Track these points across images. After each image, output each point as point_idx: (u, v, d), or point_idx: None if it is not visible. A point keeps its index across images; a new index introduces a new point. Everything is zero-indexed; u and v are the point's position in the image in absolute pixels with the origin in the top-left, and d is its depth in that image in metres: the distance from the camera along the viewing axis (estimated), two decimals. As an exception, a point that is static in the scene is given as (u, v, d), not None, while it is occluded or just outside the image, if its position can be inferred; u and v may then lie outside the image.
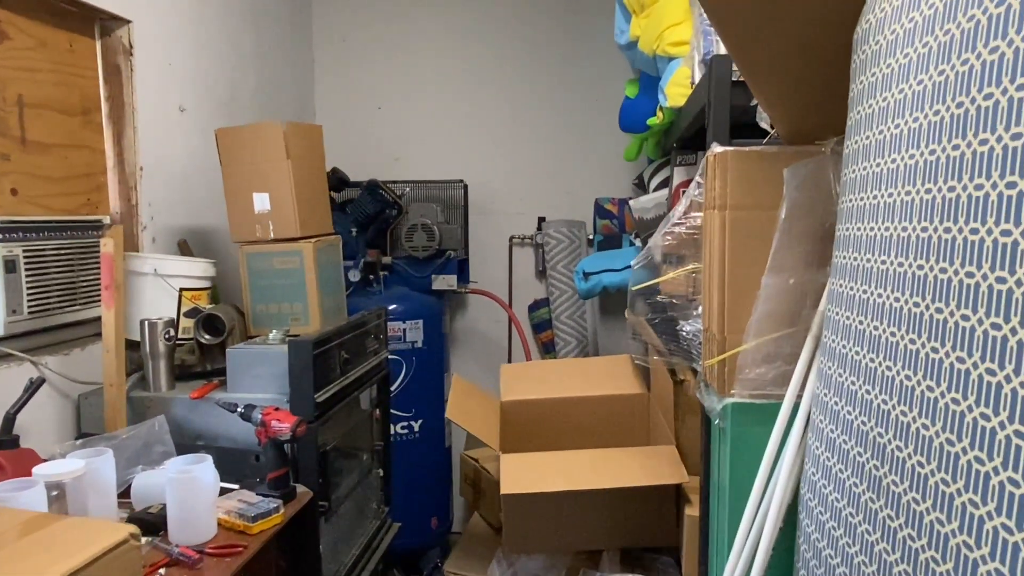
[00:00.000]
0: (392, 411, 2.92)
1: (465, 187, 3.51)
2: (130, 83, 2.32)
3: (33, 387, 1.77)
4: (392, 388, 2.98)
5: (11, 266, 1.87)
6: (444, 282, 3.34)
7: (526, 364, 3.12)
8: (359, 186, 3.31)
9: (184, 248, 2.54)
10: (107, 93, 2.31)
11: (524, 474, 1.74)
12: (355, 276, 3.09)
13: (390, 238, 3.39)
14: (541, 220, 3.57)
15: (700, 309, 1.42)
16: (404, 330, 3.11)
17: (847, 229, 1.06)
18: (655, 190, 2.65)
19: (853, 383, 0.99)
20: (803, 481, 1.16)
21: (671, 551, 1.84)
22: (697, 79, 1.89)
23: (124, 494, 1.73)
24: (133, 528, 1.04)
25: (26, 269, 1.91)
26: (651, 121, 2.36)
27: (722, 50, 1.60)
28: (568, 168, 3.61)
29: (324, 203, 2.41)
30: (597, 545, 1.83)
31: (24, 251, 1.91)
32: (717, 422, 1.34)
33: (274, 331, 2.13)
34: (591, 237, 3.49)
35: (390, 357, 2.75)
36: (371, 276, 3.17)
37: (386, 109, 3.69)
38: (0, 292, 1.83)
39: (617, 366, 2.20)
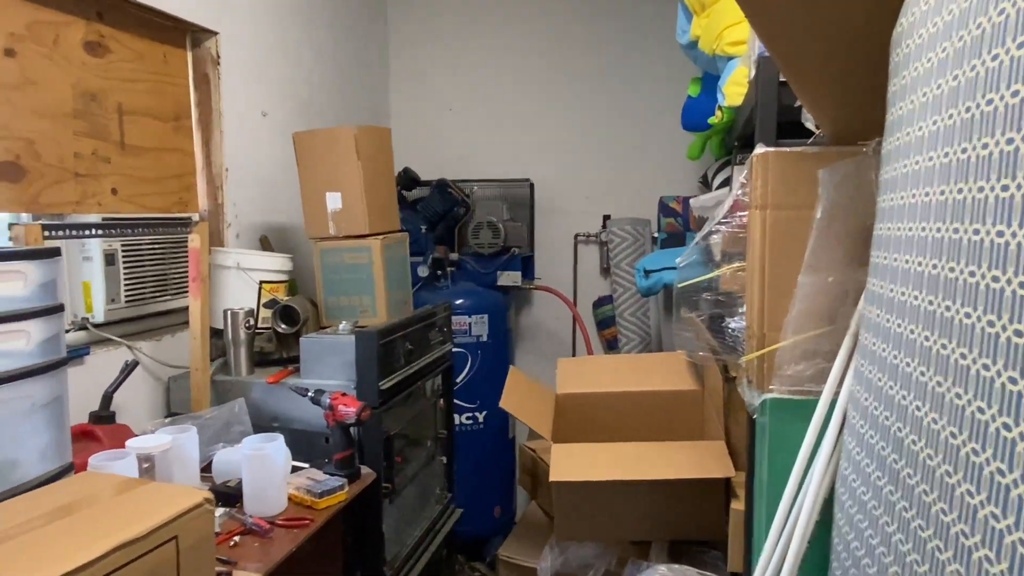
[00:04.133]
0: (457, 402, 3.04)
1: (531, 186, 3.58)
2: (217, 90, 2.50)
3: (128, 369, 1.95)
4: (457, 380, 3.09)
5: (111, 259, 2.06)
6: (509, 278, 3.42)
7: (583, 359, 3.17)
8: (429, 185, 3.44)
9: (265, 244, 2.72)
10: (196, 100, 2.49)
11: (574, 463, 1.80)
12: (424, 271, 3.22)
13: (458, 235, 3.50)
14: (606, 218, 3.60)
15: (743, 307, 1.45)
16: (470, 324, 3.21)
17: (883, 229, 1.07)
18: (718, 188, 2.66)
19: (887, 385, 1.00)
20: (838, 477, 1.18)
21: (719, 545, 1.86)
22: (753, 78, 1.90)
23: (207, 469, 1.89)
24: (208, 494, 1.16)
25: (124, 262, 2.10)
26: (711, 120, 2.37)
27: (771, 51, 1.61)
28: (633, 166, 3.63)
29: (392, 202, 2.53)
30: (646, 536, 1.88)
31: (122, 245, 2.10)
32: (757, 417, 1.36)
33: (344, 322, 2.26)
34: (656, 235, 3.50)
35: (456, 350, 2.86)
36: (439, 272, 3.29)
37: (456, 110, 3.81)
38: (101, 282, 2.03)
39: (672, 362, 2.23)
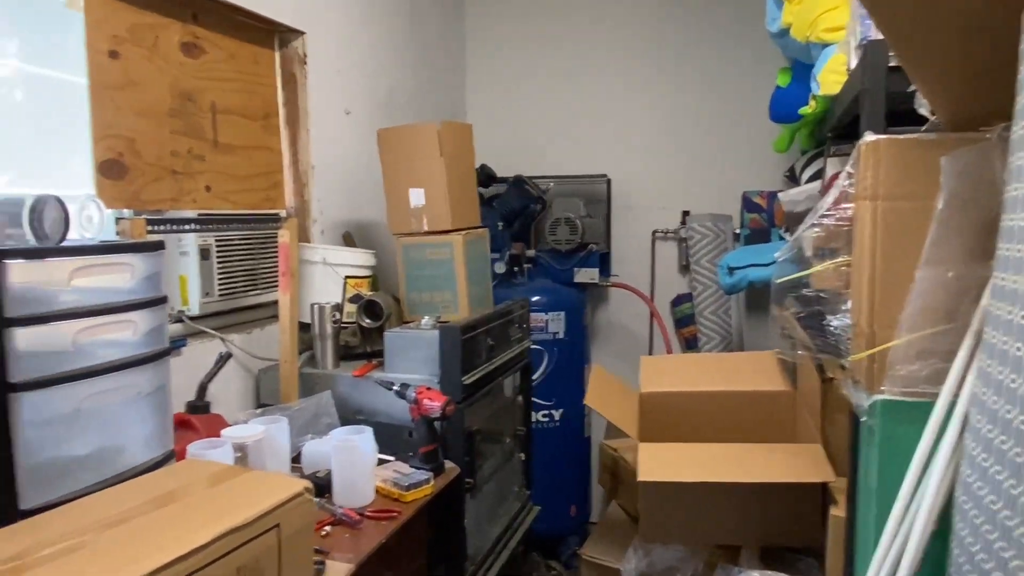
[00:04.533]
0: (533, 399, 3.02)
1: (608, 181, 3.53)
2: (304, 89, 2.55)
3: (222, 360, 2.02)
4: (534, 377, 3.08)
5: (205, 254, 2.13)
6: (586, 275, 3.39)
7: (666, 357, 3.11)
8: (505, 182, 3.43)
9: (348, 240, 2.76)
10: (284, 99, 2.55)
11: (662, 463, 1.76)
12: (500, 268, 3.22)
13: (534, 232, 3.49)
14: (685, 214, 3.52)
15: (849, 303, 1.38)
16: (546, 321, 3.19)
17: (1011, 219, 1.00)
18: (807, 182, 2.56)
19: (1014, 380, 0.94)
20: (957, 483, 1.11)
21: (814, 552, 1.79)
22: (853, 65, 1.82)
23: (296, 459, 1.93)
24: (307, 483, 1.18)
25: (217, 257, 2.17)
26: (803, 110, 2.28)
27: (879, 35, 1.53)
28: (714, 161, 3.54)
29: (473, 198, 2.53)
30: (735, 540, 1.82)
31: (216, 240, 2.16)
32: (865, 419, 1.30)
33: (426, 317, 2.27)
34: (737, 231, 3.40)
35: (532, 347, 2.84)
36: (515, 268, 3.28)
37: (533, 106, 3.79)
38: (196, 276, 2.09)
39: (761, 362, 2.15)
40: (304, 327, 2.32)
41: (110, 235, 1.51)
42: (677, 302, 3.58)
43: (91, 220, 1.44)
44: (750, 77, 3.37)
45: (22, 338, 1.19)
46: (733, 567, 1.73)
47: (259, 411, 2.04)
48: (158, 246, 1.44)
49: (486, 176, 3.43)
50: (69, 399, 1.26)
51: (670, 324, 3.59)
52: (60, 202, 1.36)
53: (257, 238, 2.34)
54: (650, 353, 3.59)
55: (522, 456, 2.72)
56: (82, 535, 0.99)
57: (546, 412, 3.20)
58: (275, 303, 2.28)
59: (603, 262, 3.46)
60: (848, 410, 1.44)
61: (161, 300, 1.45)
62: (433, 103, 3.54)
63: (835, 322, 1.46)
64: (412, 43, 3.33)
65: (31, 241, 1.35)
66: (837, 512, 1.57)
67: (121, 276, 1.36)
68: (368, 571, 1.52)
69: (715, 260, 3.28)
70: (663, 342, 3.51)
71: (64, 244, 1.34)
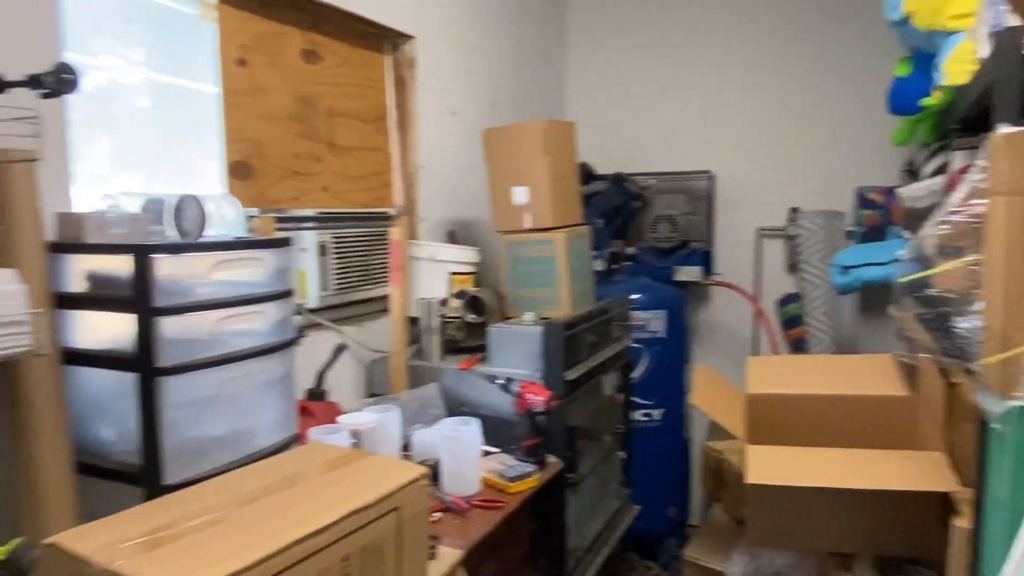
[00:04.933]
0: (633, 398, 3.00)
1: (711, 177, 3.47)
2: (413, 92, 2.64)
3: (338, 351, 2.12)
4: (633, 375, 3.06)
5: (323, 250, 2.24)
6: (687, 273, 3.34)
7: (776, 358, 3.02)
8: (605, 179, 3.43)
9: (453, 238, 2.84)
10: (394, 102, 2.65)
11: (772, 466, 1.72)
12: (600, 266, 3.21)
13: (634, 229, 3.46)
14: (794, 211, 3.41)
15: (979, 304, 1.30)
16: (647, 320, 3.17)
17: None
18: (929, 177, 2.42)
19: None
20: (1105, 498, 1.04)
21: (933, 564, 1.70)
22: (983, 54, 1.71)
23: (404, 447, 2.00)
24: (424, 469, 1.23)
25: (333, 253, 2.28)
26: (926, 101, 2.16)
27: (1014, 21, 1.44)
28: (826, 156, 3.41)
29: (575, 195, 2.55)
30: (849, 548, 1.75)
31: (332, 237, 2.27)
32: (996, 426, 1.23)
33: (529, 313, 2.30)
34: (850, 229, 3.26)
35: (632, 346, 2.83)
36: (615, 266, 3.27)
37: (634, 103, 3.77)
38: (315, 271, 2.21)
39: (878, 365, 2.06)
40: (412, 321, 2.40)
41: (242, 232, 1.62)
42: (784, 302, 3.47)
43: (226, 218, 1.55)
44: (864, 67, 3.23)
45: (167, 326, 1.31)
46: (846, 573, 1.67)
47: (371, 400, 2.13)
48: (287, 242, 1.54)
49: (585, 173, 3.43)
50: (208, 383, 1.37)
51: (776, 325, 3.48)
52: (199, 201, 1.47)
53: (369, 235, 2.44)
54: (754, 355, 3.50)
55: (622, 454, 2.71)
56: (222, 510, 1.07)
57: (646, 412, 3.18)
58: (385, 297, 2.37)
59: (705, 260, 3.39)
60: (975, 416, 1.36)
61: (288, 293, 1.55)
62: (534, 103, 3.58)
63: (963, 324, 1.39)
64: (515, 44, 3.38)
65: (173, 237, 1.47)
66: (962, 523, 1.49)
67: (254, 270, 1.46)
68: (475, 558, 1.57)
69: (826, 259, 3.16)
70: (769, 344, 3.41)
71: (203, 240, 1.45)
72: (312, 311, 2.19)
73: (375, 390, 2.37)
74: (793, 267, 3.44)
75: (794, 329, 3.41)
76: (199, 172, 2.02)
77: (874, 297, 3.24)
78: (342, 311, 2.37)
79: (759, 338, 3.53)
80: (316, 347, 2.15)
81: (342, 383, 2.27)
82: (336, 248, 2.29)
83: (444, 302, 2.40)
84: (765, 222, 3.51)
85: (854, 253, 2.60)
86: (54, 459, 1.31)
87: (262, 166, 2.11)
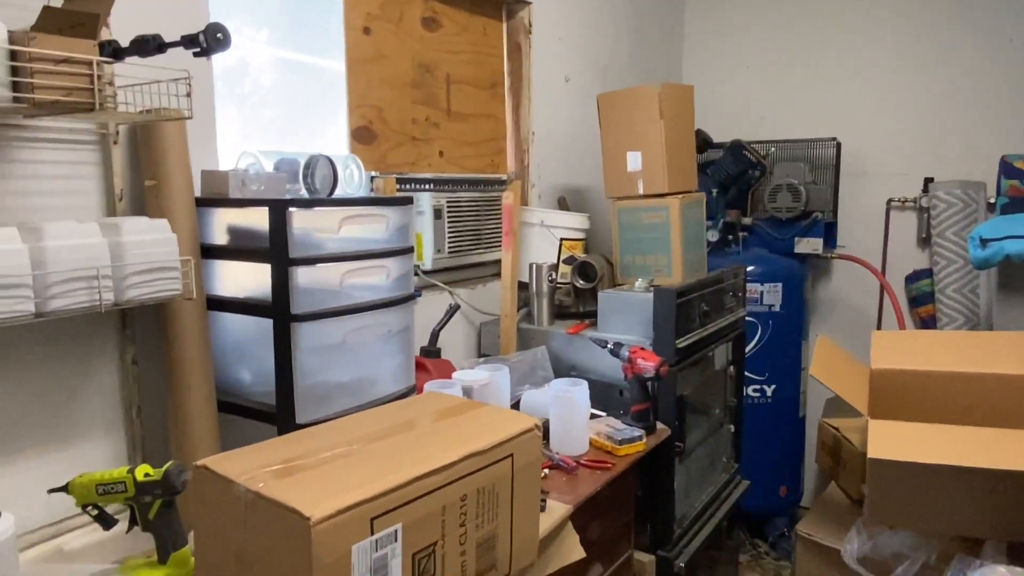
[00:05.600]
0: (744, 373, 2.93)
1: (838, 145, 3.29)
2: (528, 59, 2.65)
3: (452, 311, 2.18)
4: (746, 349, 2.98)
5: (438, 213, 2.30)
6: (808, 245, 3.20)
7: (902, 333, 2.86)
8: (722, 147, 3.32)
9: (563, 204, 2.84)
10: (509, 68, 2.67)
11: (895, 442, 1.64)
12: (713, 236, 3.14)
13: (751, 199, 3.35)
14: (928, 181, 3.19)
15: None
16: (761, 292, 3.07)
17: None
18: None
19: None
20: None
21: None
22: None
23: (514, 406, 2.04)
24: (537, 421, 1.26)
25: (448, 217, 2.34)
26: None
27: None
28: (964, 122, 3.15)
29: (691, 161, 2.49)
30: (976, 532, 1.65)
31: (447, 202, 2.33)
32: None
33: (639, 280, 2.28)
34: (992, 200, 3.02)
35: (746, 319, 2.75)
36: (730, 236, 3.18)
37: (753, 68, 3.62)
38: (430, 234, 2.27)
39: (1013, 343, 1.91)
40: (522, 286, 2.43)
41: (366, 192, 1.70)
42: (913, 278, 3.27)
43: (353, 177, 1.62)
44: (1008, 28, 2.95)
45: (301, 276, 1.39)
46: (974, 559, 1.58)
47: (481, 360, 2.19)
48: (408, 201, 1.60)
49: (701, 141, 3.34)
50: (335, 332, 1.45)
51: (903, 302, 3.28)
52: (330, 161, 1.55)
53: (482, 201, 2.48)
54: (877, 332, 3.32)
55: (731, 428, 2.66)
56: (350, 445, 1.14)
57: (757, 387, 3.09)
58: (495, 262, 2.42)
59: (828, 232, 3.23)
60: None
61: (409, 250, 1.61)
62: (649, 68, 3.51)
63: None
64: (630, 8, 3.31)
65: (305, 195, 1.55)
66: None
67: (377, 226, 1.53)
68: (582, 516, 1.59)
69: (963, 232, 2.95)
70: (895, 321, 3.22)
71: (333, 197, 1.52)
72: (426, 273, 2.27)
73: (485, 351, 2.43)
74: (925, 241, 3.23)
75: (923, 307, 3.21)
76: (325, 138, 2.11)
77: (1017, 272, 3.00)
78: (455, 274, 2.44)
79: (884, 316, 3.34)
80: (430, 307, 2.22)
81: (454, 343, 2.34)
82: (451, 212, 2.35)
83: (554, 267, 2.42)
84: (896, 193, 3.30)
85: (995, 225, 2.41)
86: (200, 394, 1.43)
87: (383, 131, 2.19)
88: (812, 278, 3.42)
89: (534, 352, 2.23)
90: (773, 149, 3.35)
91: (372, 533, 0.96)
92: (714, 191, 3.23)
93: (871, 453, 1.61)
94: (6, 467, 1.31)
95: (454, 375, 1.87)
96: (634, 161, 2.36)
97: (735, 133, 3.37)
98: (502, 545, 1.20)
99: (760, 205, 3.30)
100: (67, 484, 1.16)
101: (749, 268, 2.97)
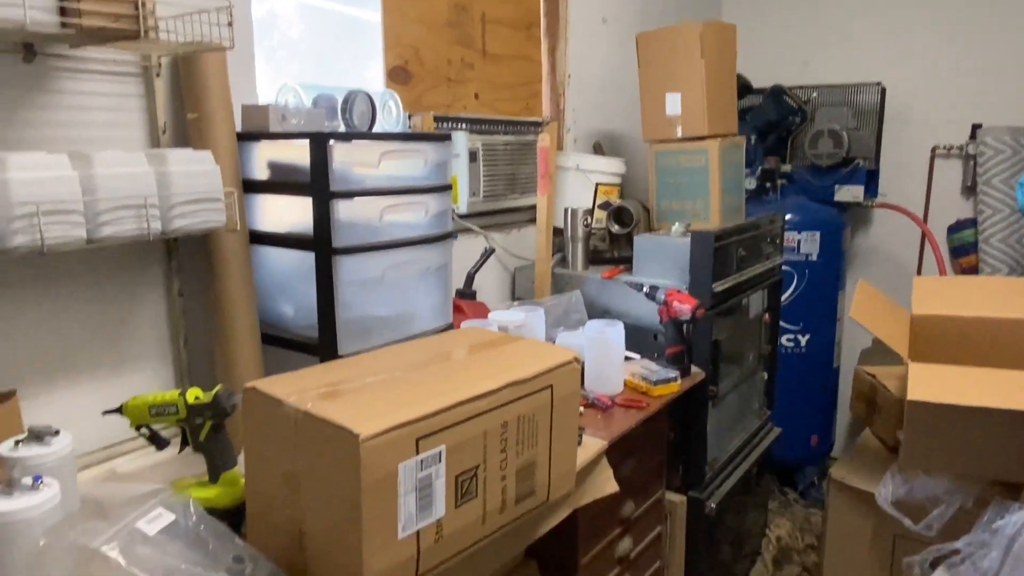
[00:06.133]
0: (779, 322, 2.90)
1: (882, 91, 3.19)
2: (564, -2, 2.59)
3: (487, 254, 2.18)
4: (781, 298, 2.95)
5: (473, 156, 2.29)
6: (848, 193, 3.13)
7: (944, 279, 2.80)
8: (761, 93, 3.24)
9: (598, 149, 2.81)
10: (545, 8, 2.61)
11: (935, 385, 1.62)
12: (751, 184, 3.08)
13: (791, 146, 3.27)
14: (976, 127, 3.09)
15: None
16: (799, 241, 3.03)
17: None
18: None
19: None
20: None
21: (1122, 502, 1.56)
22: None
23: (549, 348, 2.06)
24: (576, 353, 1.26)
25: (483, 160, 2.32)
26: None
27: None
28: (1015, 66, 3.03)
29: (732, 103, 2.43)
30: (1015, 477, 1.63)
31: (483, 145, 2.31)
32: None
33: (676, 224, 2.26)
34: (1043, 147, 2.92)
35: (782, 268, 2.71)
36: (768, 184, 3.12)
37: (795, 11, 3.50)
38: (465, 177, 2.26)
39: (1065, 289, 1.87)
40: (556, 231, 2.42)
41: (404, 130, 1.69)
42: (955, 228, 3.19)
43: (391, 114, 1.61)
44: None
45: (343, 209, 1.40)
46: (1012, 503, 1.57)
47: (515, 303, 2.20)
48: (447, 137, 1.59)
49: (741, 87, 3.25)
50: (376, 266, 1.46)
51: (945, 252, 3.21)
52: (368, 96, 1.54)
53: (517, 144, 2.46)
54: (917, 284, 3.26)
55: (764, 375, 2.65)
56: (393, 372, 1.16)
57: (791, 337, 3.07)
58: (529, 207, 2.40)
59: (869, 180, 3.16)
60: None
61: (447, 187, 1.61)
62: (688, 10, 3.41)
63: None
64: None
65: (343, 130, 1.55)
66: None
67: (417, 162, 1.53)
68: (616, 453, 1.60)
69: (1011, 180, 2.86)
70: (935, 272, 3.16)
71: (373, 132, 1.52)
72: (462, 217, 2.26)
73: (519, 295, 2.44)
74: (969, 190, 3.14)
75: (965, 257, 3.14)
76: (361, 80, 2.10)
77: (1066, 224, 2.91)
78: (489, 219, 2.43)
79: (924, 266, 3.28)
80: (466, 251, 2.22)
81: (487, 287, 2.35)
82: (486, 156, 2.33)
83: (589, 212, 2.40)
84: (941, 140, 3.21)
85: (1048, 170, 2.34)
86: (244, 325, 1.46)
87: (419, 72, 2.16)
88: (851, 227, 3.36)
89: (568, 296, 2.24)
90: (815, 94, 3.27)
91: (417, 453, 0.99)
92: (752, 138, 3.16)
93: (910, 395, 1.59)
94: (63, 391, 1.36)
95: (490, 315, 1.88)
96: (673, 103, 2.31)
97: (776, 78, 3.28)
98: (541, 472, 1.22)
99: (799, 152, 3.23)
100: (121, 406, 1.20)
101: (787, 216, 2.92)
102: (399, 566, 1.00)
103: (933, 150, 3.23)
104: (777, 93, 3.17)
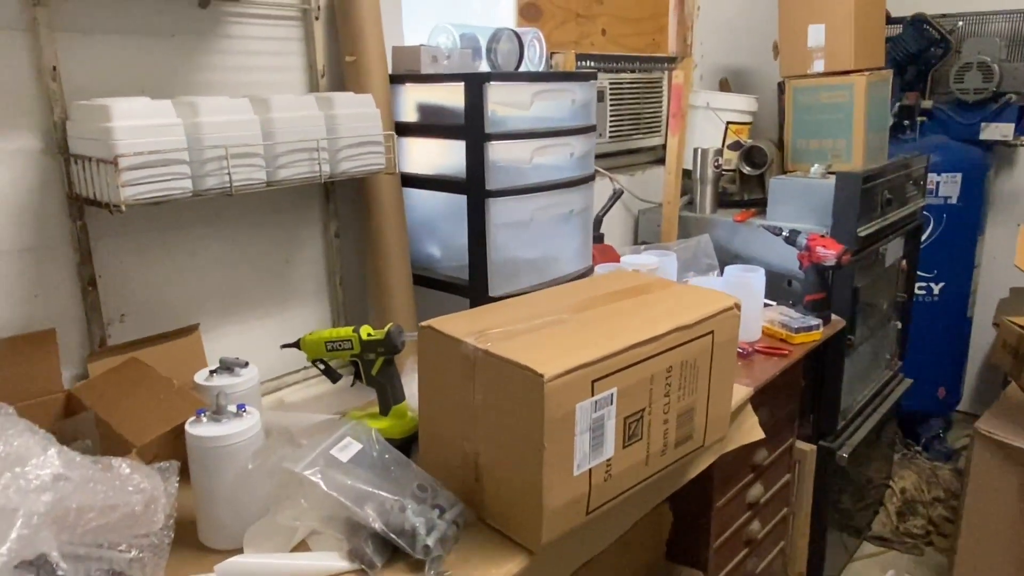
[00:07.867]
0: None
1: (1041, 17, 2.90)
2: (696, -77, 2.45)
3: (615, 196, 2.16)
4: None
5: (600, 96, 2.24)
6: (997, 131, 2.89)
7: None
8: (901, 22, 3.01)
9: (725, 86, 2.70)
10: (675, -64, 2.48)
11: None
12: (888, 121, 2.89)
13: (931, 80, 3.04)
14: None
15: None
16: (937, 183, 2.84)
17: None
18: None
19: None
20: None
21: None
22: None
23: (680, 293, 2.03)
24: (736, 299, 1.24)
25: (610, 99, 2.27)
26: None
27: None
28: None
29: (880, 33, 2.28)
30: None
31: (609, 83, 2.26)
32: None
33: (816, 165, 2.16)
34: None
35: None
36: (905, 122, 2.93)
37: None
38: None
39: None
40: (684, 173, 2.36)
41: (545, 70, 1.66)
42: (1118, 169, 2.91)
43: (535, 52, 1.59)
44: None
45: (496, 152, 1.40)
46: None
47: (642, 247, 2.17)
48: (593, 76, 1.55)
49: (879, 16, 3.03)
50: (525, 209, 1.47)
51: (1103, 196, 2.95)
52: (516, 34, 1.52)
53: (643, 82, 2.39)
54: (1067, 230, 3.02)
55: (898, 325, 2.54)
56: (559, 314, 1.17)
57: (924, 285, 2.92)
58: (653, 148, 2.35)
59: (1020, 117, 2.91)
60: None
61: (592, 128, 1.58)
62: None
63: None
64: None
65: (487, 69, 1.54)
66: None
67: (564, 103, 1.51)
68: (753, 400, 1.58)
69: None
70: (1090, 217, 2.92)
71: (524, 71, 1.50)
72: (590, 157, 2.23)
73: (643, 239, 2.40)
74: None
75: None
76: (490, 18, 2.07)
77: None
78: (614, 160, 2.39)
79: (1077, 211, 3.03)
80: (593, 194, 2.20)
81: (611, 231, 2.32)
82: (612, 95, 2.28)
83: (719, 153, 2.32)
84: (1108, 70, 2.90)
85: None
86: (397, 265, 1.50)
87: (549, 8, 2.12)
88: (995, 169, 3.12)
89: (697, 240, 2.19)
90: (960, 23, 3.01)
91: (592, 394, 1.00)
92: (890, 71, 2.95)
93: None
94: (235, 324, 1.44)
95: (622, 259, 1.86)
96: (816, 35, 2.18)
97: (917, 6, 3.03)
98: (699, 417, 1.22)
99: (942, 86, 3.00)
100: (298, 340, 1.27)
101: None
102: (572, 502, 1.03)
103: (1098, 82, 2.93)
104: (918, 22, 2.94)
